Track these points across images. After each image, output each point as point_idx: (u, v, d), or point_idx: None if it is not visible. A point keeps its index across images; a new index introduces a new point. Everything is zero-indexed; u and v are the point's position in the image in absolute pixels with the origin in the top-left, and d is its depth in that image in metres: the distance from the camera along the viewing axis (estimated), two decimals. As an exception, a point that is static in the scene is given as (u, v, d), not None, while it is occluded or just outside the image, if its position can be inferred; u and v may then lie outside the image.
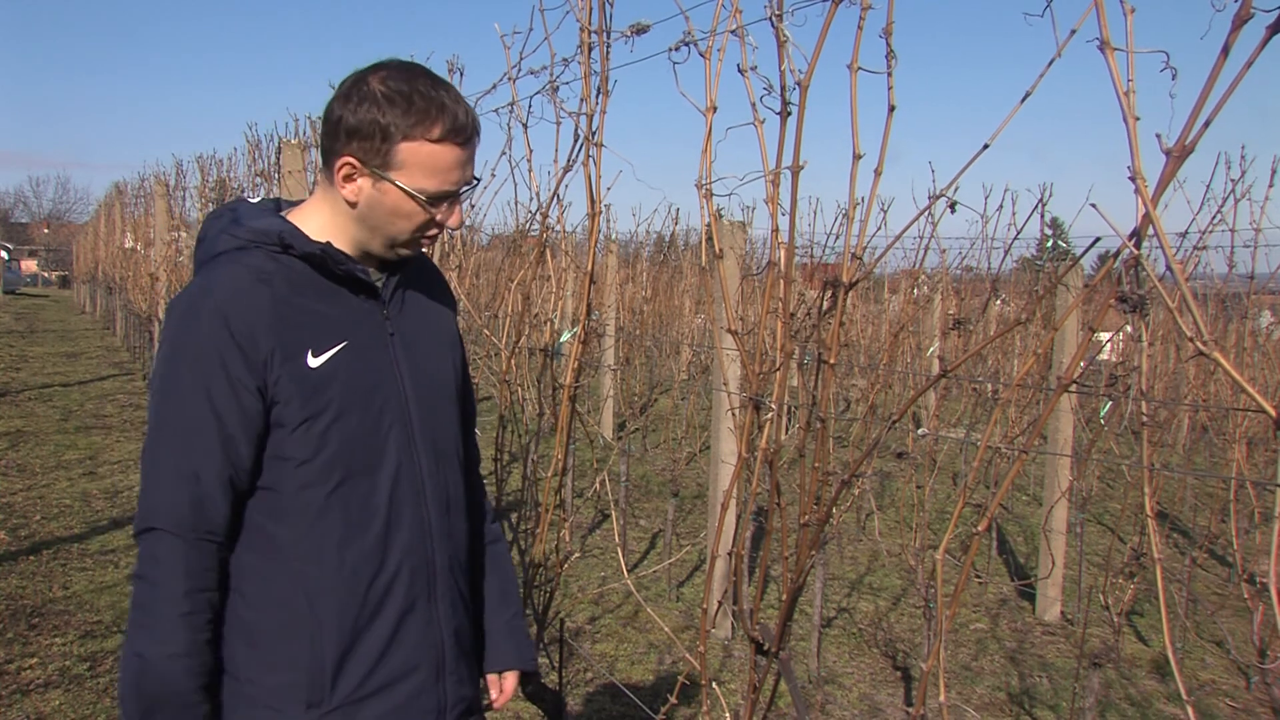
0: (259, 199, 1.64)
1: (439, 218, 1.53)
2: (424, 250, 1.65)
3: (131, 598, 1.47)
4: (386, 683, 1.55)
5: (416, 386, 1.61)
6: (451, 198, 1.53)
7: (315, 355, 1.49)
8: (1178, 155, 1.08)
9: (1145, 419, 3.70)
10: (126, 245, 16.33)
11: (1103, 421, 6.18)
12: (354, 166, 1.48)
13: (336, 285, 1.55)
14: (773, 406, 1.82)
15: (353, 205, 1.52)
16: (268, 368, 1.46)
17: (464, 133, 1.49)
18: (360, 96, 1.46)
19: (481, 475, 1.94)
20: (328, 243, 1.53)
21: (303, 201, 1.64)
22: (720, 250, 2.02)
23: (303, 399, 1.47)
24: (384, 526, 1.54)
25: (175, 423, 1.46)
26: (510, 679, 1.86)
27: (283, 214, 1.60)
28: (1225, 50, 1.04)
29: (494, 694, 1.85)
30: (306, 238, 1.52)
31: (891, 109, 1.42)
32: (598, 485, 6.97)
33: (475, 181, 1.58)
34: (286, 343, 1.47)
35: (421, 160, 1.47)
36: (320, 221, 1.56)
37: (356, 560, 1.52)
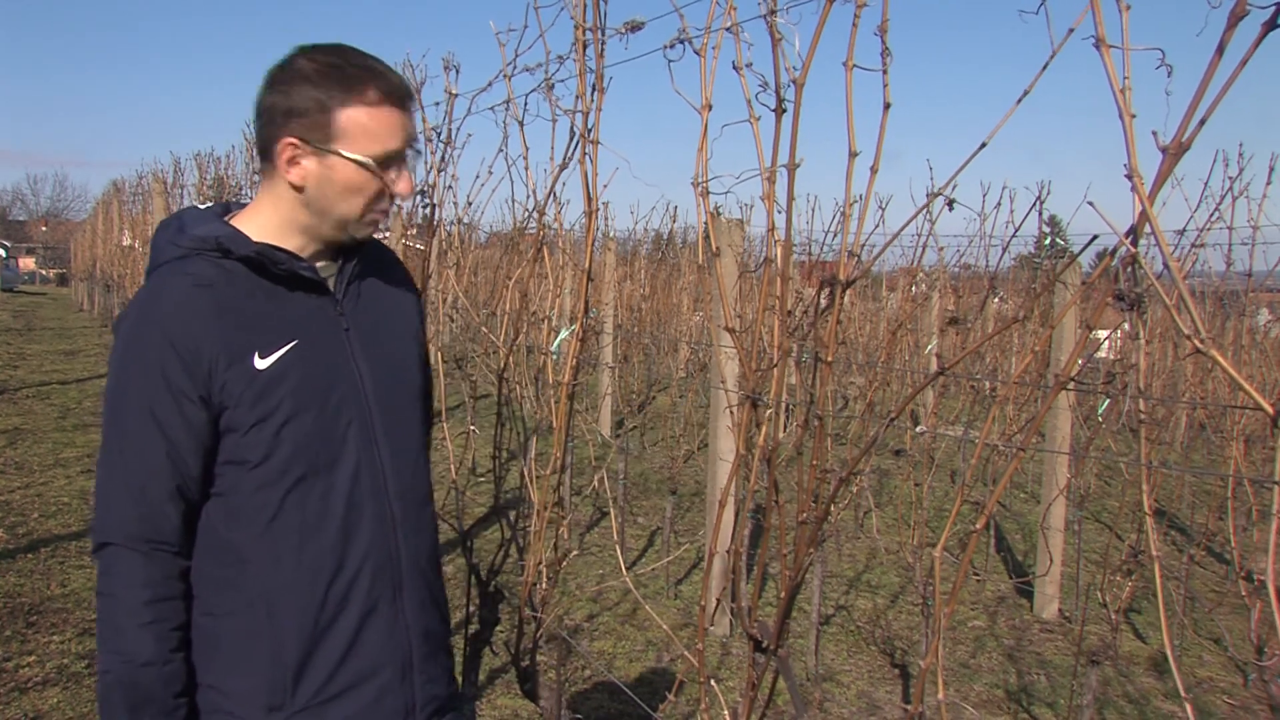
0: (208, 205, 1.63)
1: (389, 185, 1.52)
2: (380, 229, 1.63)
3: (97, 614, 1.49)
4: (350, 684, 1.54)
5: (376, 381, 1.60)
6: (398, 160, 1.52)
7: (263, 357, 1.48)
8: (1174, 152, 1.08)
9: (1143, 416, 3.70)
10: (124, 243, 16.33)
11: (1100, 419, 6.18)
12: (296, 146, 1.47)
13: (283, 285, 1.54)
14: (771, 404, 1.82)
15: (300, 189, 1.50)
16: (212, 376, 1.45)
17: (399, 93, 1.49)
18: (291, 78, 1.46)
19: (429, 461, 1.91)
20: (265, 244, 1.51)
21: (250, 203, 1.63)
22: (717, 248, 2.02)
23: (252, 401, 1.47)
24: (342, 526, 1.53)
25: (122, 438, 1.47)
26: None
27: (228, 218, 1.58)
28: (1221, 47, 1.03)
29: None
30: (246, 240, 1.51)
31: (887, 106, 1.42)
32: (596, 483, 6.96)
33: (419, 151, 1.58)
34: (231, 347, 1.46)
35: (362, 125, 1.46)
36: (263, 220, 1.54)
37: (315, 562, 1.51)
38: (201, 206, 1.62)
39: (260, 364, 1.48)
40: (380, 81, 1.47)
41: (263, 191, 1.56)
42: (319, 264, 1.59)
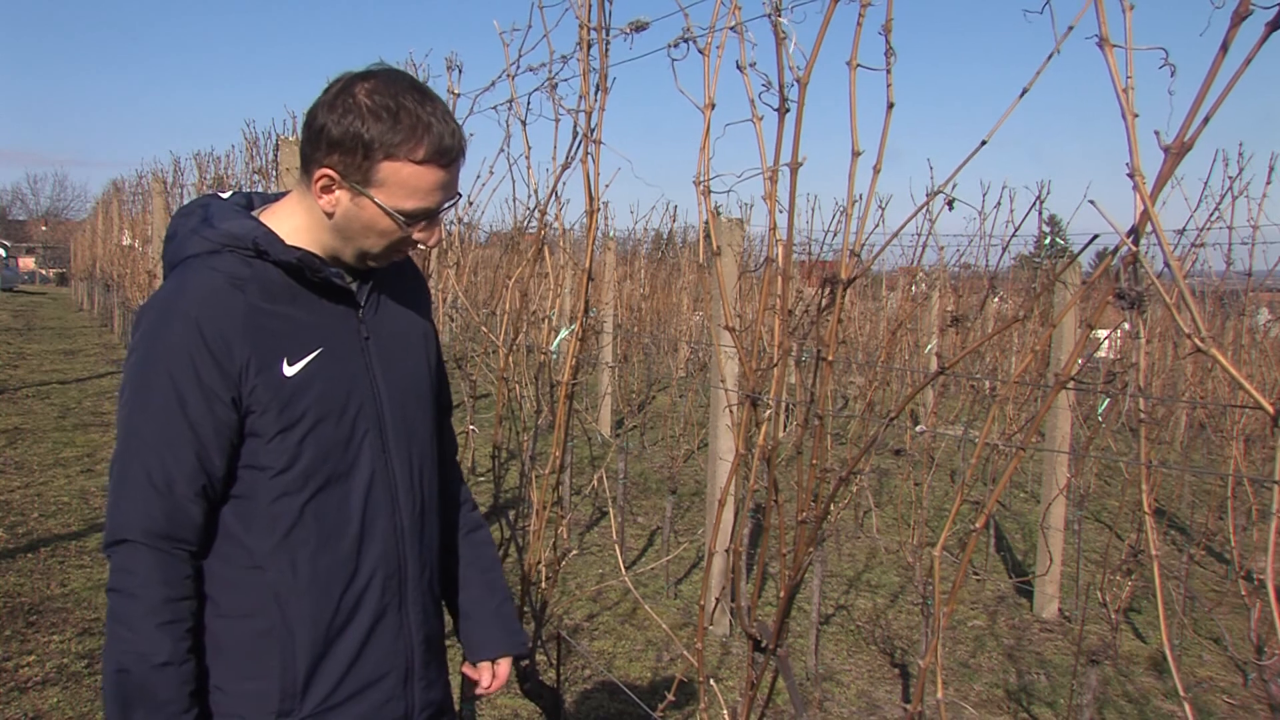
0: (229, 194, 1.60)
1: (416, 236, 1.51)
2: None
3: (108, 612, 1.45)
4: (356, 690, 1.54)
5: (391, 391, 1.60)
6: (431, 217, 1.50)
7: (290, 364, 1.47)
8: (1176, 152, 1.08)
9: (1143, 416, 3.70)
10: (124, 243, 16.32)
11: (1100, 419, 6.19)
12: (332, 179, 1.45)
13: (311, 291, 1.53)
14: (770, 403, 1.82)
15: (329, 215, 1.49)
16: (243, 378, 1.44)
17: (449, 155, 1.45)
18: (345, 107, 1.42)
19: (458, 464, 1.92)
20: (305, 250, 1.50)
21: (277, 197, 1.61)
22: (718, 247, 2.02)
23: (279, 409, 1.46)
24: (357, 535, 1.53)
25: (148, 433, 1.44)
26: (504, 665, 1.85)
27: (255, 213, 1.56)
28: (1224, 47, 1.04)
29: (485, 680, 1.84)
30: (282, 244, 1.49)
31: (890, 106, 1.42)
32: (595, 483, 6.97)
33: (456, 199, 1.55)
34: (261, 351, 1.45)
35: (403, 180, 1.44)
36: (295, 224, 1.53)
37: (330, 570, 1.51)
38: (224, 196, 1.59)
39: (288, 371, 1.47)
40: (431, 138, 1.43)
41: (297, 196, 1.55)
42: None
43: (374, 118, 1.41)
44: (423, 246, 1.55)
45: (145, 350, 1.45)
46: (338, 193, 1.47)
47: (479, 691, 1.84)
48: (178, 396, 1.42)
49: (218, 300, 1.44)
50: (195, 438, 1.43)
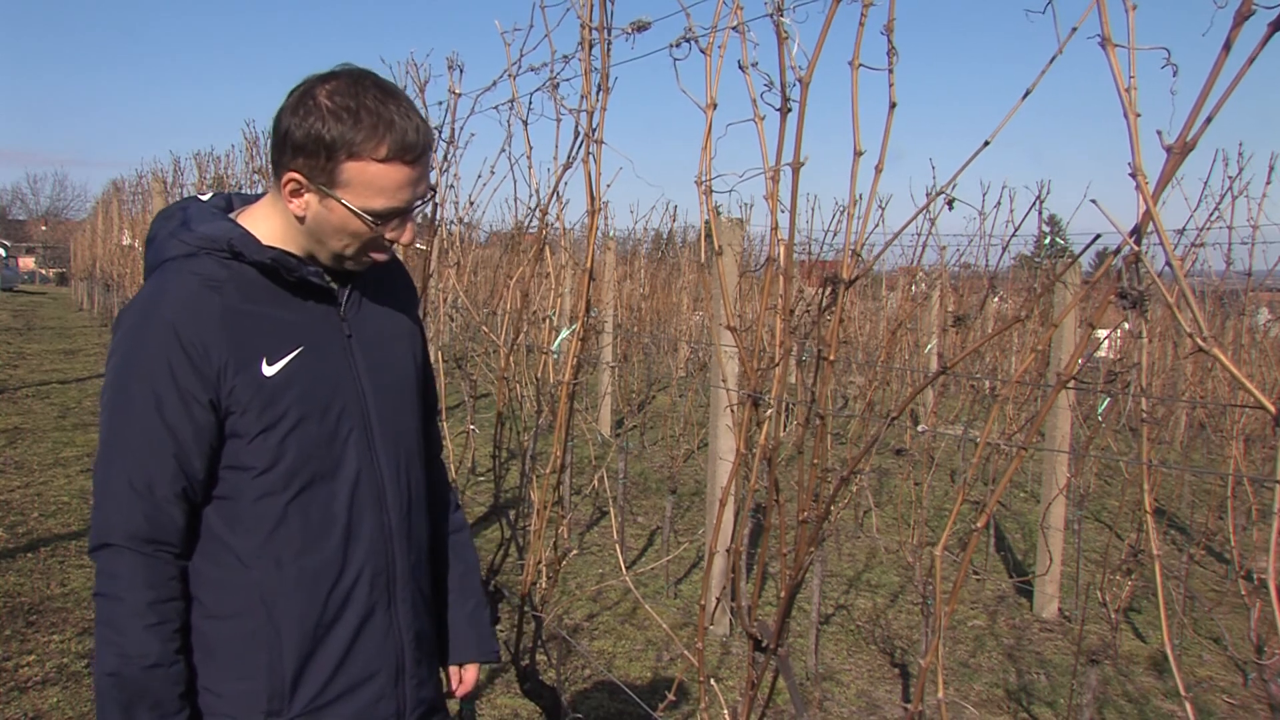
0: (210, 197, 1.60)
1: (388, 235, 1.50)
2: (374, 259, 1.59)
3: (96, 616, 1.46)
4: (346, 689, 1.54)
5: (377, 388, 1.59)
6: (401, 215, 1.49)
7: (270, 363, 1.47)
8: (1179, 152, 1.09)
9: (1143, 416, 3.70)
10: (124, 242, 16.34)
11: (1101, 418, 6.19)
12: (299, 182, 1.45)
13: (290, 291, 1.53)
14: (771, 403, 1.83)
15: (300, 219, 1.49)
16: (221, 379, 1.44)
17: (413, 151, 1.44)
18: (307, 109, 1.42)
19: (444, 463, 1.91)
20: (279, 250, 1.50)
21: (257, 198, 1.61)
22: (719, 247, 2.02)
23: (259, 408, 1.46)
24: (344, 534, 1.53)
25: (127, 437, 1.45)
26: (470, 670, 1.86)
27: (234, 215, 1.57)
28: (1227, 46, 1.04)
29: (453, 684, 1.85)
30: (258, 244, 1.49)
31: (892, 106, 1.42)
32: (596, 482, 6.96)
33: (429, 196, 1.54)
34: (240, 352, 1.45)
35: (367, 180, 1.43)
36: (271, 226, 1.53)
37: (316, 568, 1.51)
38: (204, 199, 1.60)
39: (268, 370, 1.47)
40: (394, 136, 1.42)
41: (271, 198, 1.55)
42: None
43: (335, 118, 1.41)
44: (398, 246, 1.54)
45: (123, 355, 1.46)
46: (306, 196, 1.46)
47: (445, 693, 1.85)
48: (155, 400, 1.43)
49: (194, 303, 1.45)
50: (174, 441, 1.43)
